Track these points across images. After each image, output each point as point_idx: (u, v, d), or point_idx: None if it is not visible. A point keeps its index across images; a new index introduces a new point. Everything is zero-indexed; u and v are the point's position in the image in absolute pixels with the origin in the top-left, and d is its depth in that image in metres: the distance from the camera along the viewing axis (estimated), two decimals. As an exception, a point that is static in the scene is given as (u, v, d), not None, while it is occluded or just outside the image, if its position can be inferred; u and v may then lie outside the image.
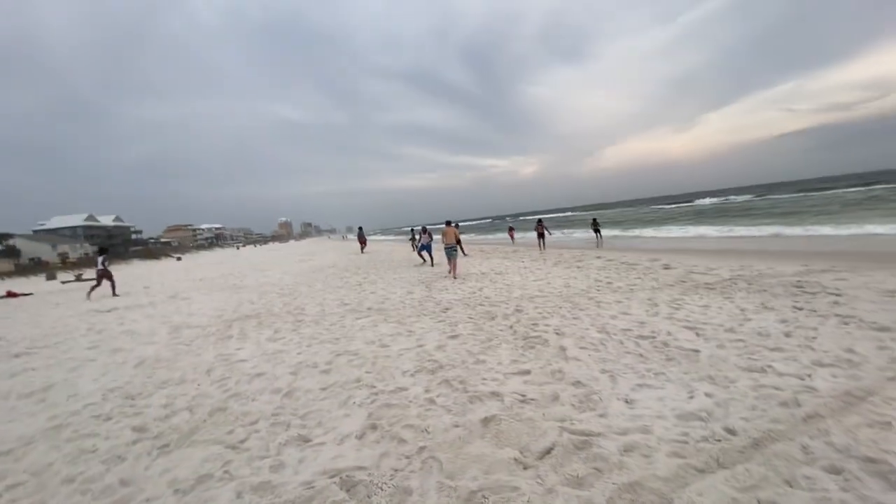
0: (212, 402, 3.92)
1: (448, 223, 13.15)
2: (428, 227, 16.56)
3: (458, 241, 17.29)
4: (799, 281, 7.35)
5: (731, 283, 7.73)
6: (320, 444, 2.99)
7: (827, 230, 17.61)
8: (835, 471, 2.28)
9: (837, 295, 6.15)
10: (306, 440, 3.07)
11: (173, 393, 4.26)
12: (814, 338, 4.45)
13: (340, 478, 2.52)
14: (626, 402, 3.31)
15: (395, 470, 2.59)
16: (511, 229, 29.13)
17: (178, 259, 49.21)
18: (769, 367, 3.77)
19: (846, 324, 4.83)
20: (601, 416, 3.10)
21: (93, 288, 14.34)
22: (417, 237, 16.01)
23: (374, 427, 3.19)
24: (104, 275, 13.91)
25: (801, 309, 5.61)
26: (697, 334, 4.86)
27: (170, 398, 4.12)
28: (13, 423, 3.84)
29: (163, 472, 2.76)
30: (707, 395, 3.31)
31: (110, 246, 74.84)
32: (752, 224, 24.04)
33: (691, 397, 3.29)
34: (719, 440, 2.68)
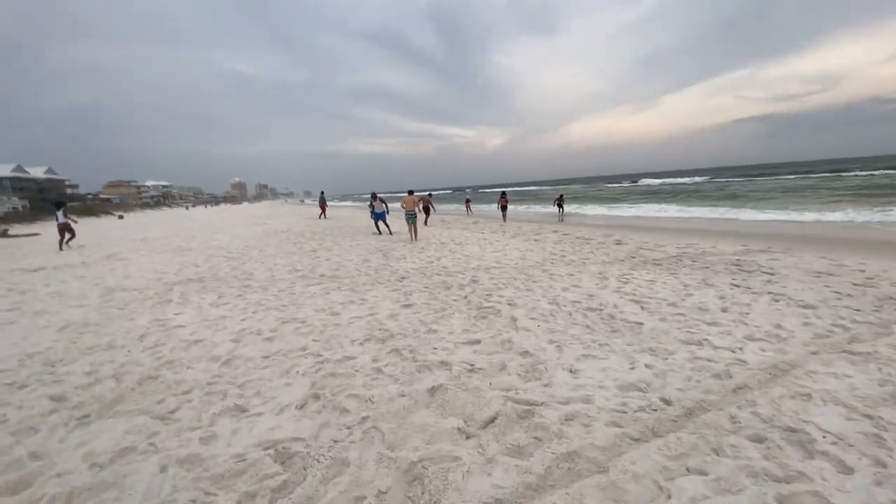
0: (142, 370, 3.67)
1: (410, 192, 13.72)
2: (379, 193, 15.83)
3: (427, 210, 17.05)
4: (738, 260, 7.76)
5: (677, 259, 8.06)
6: (257, 415, 2.85)
7: (767, 214, 18.68)
8: (758, 440, 2.40)
9: (771, 274, 6.54)
10: (242, 410, 2.93)
11: (99, 360, 3.95)
12: (747, 313, 4.70)
13: (276, 450, 2.42)
14: (571, 372, 3.36)
15: (335, 441, 2.51)
16: (468, 201, 29.13)
17: (120, 217, 46.02)
18: (705, 340, 3.95)
19: (777, 301, 5.13)
20: (546, 385, 3.13)
21: (61, 242, 14.39)
22: (375, 203, 15.25)
23: (316, 397, 3.08)
24: (65, 227, 14.35)
25: (737, 286, 5.91)
26: (642, 307, 5.02)
27: (95, 365, 3.82)
28: None
29: (79, 445, 2.55)
30: (647, 366, 3.42)
31: (42, 201, 68.68)
32: (702, 205, 25.19)
33: (632, 368, 3.39)
34: (655, 410, 2.77)
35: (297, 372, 3.53)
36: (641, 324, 4.42)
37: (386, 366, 3.61)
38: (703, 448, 2.36)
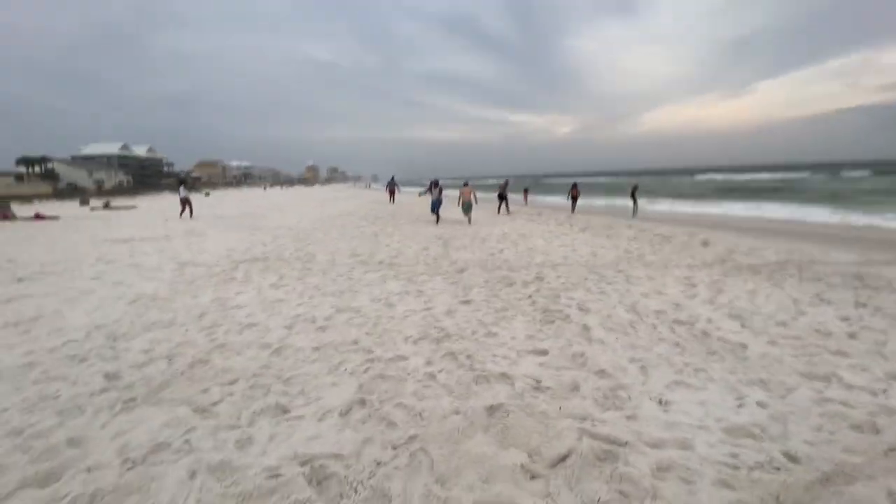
0: (194, 352, 3.59)
1: (465, 184, 14.80)
2: (440, 181, 15.13)
3: (503, 198, 18.15)
4: (858, 272, 6.53)
5: (779, 267, 6.96)
6: (298, 419, 2.59)
7: (884, 218, 15.99)
8: (943, 537, 1.74)
9: (907, 293, 5.37)
10: (284, 411, 2.69)
11: (158, 337, 3.95)
12: (884, 343, 3.80)
13: (312, 467, 2.12)
14: (660, 402, 2.79)
15: (378, 463, 2.17)
16: (526, 191, 28.24)
17: (207, 195, 49.65)
18: (833, 375, 3.17)
19: (922, 328, 4.13)
20: (629, 418, 2.60)
21: (183, 213, 16.96)
22: (434, 191, 14.61)
23: (362, 403, 2.78)
24: (186, 201, 16.98)
25: (864, 305, 4.90)
26: (743, 325, 4.25)
27: (153, 343, 3.81)
28: (-12, 354, 3.61)
29: (117, 435, 2.42)
30: (760, 404, 2.76)
31: (143, 177, 76.35)
32: (802, 204, 22.32)
33: (740, 405, 2.75)
34: (778, 469, 2.15)
35: (346, 370, 3.26)
36: (745, 346, 3.69)
37: (440, 371, 3.24)
38: (857, 538, 1.74)
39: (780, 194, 30.64)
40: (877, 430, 2.48)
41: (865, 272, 6.53)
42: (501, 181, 19.79)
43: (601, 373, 3.18)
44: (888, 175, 47.87)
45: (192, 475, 2.08)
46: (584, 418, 2.58)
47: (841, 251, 8.60)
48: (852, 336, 3.97)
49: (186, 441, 2.36)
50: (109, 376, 3.17)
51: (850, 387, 3.00)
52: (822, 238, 11.19)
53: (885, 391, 2.94)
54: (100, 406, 2.74)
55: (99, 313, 4.70)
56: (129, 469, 2.12)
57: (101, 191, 50.75)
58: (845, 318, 4.45)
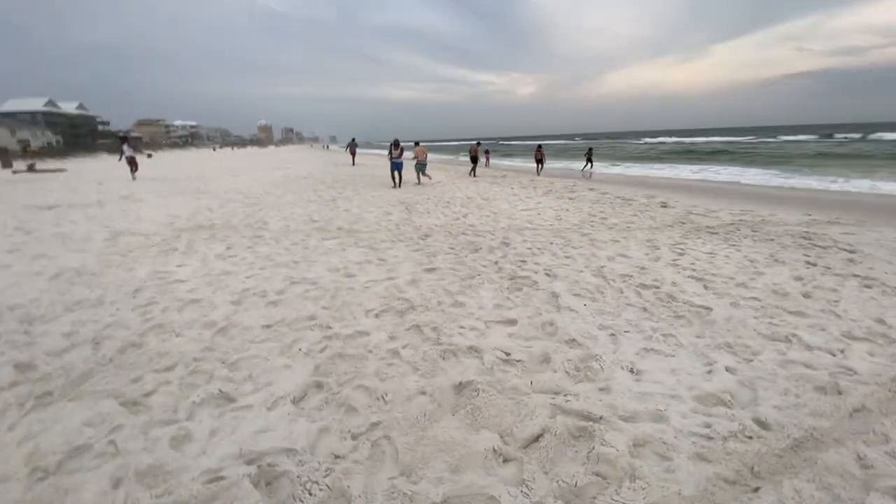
0: (126, 335, 3.19)
1: (417, 143, 14.93)
2: (400, 141, 13.88)
3: (475, 160, 18.45)
4: (806, 232, 6.79)
5: (734, 228, 7.14)
6: (244, 408, 2.32)
7: (827, 180, 16.88)
8: (914, 502, 1.74)
9: (851, 252, 5.61)
10: (228, 400, 2.40)
11: (82, 318, 3.49)
12: (836, 301, 3.92)
13: (259, 466, 1.88)
14: (632, 371, 2.71)
15: (336, 457, 1.96)
16: (487, 153, 27.97)
17: (149, 156, 45.83)
18: (794, 335, 3.21)
19: (868, 287, 4.30)
20: (602, 390, 2.50)
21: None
22: (396, 152, 13.55)
23: (318, 386, 2.54)
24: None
25: (814, 265, 5.06)
26: (706, 287, 4.28)
27: (76, 325, 3.37)
28: None
29: (27, 438, 2.07)
30: (728, 369, 2.74)
31: (75, 136, 69.65)
32: (748, 166, 23.25)
33: (710, 371, 2.72)
34: (750, 437, 2.11)
35: (300, 350, 2.99)
36: (710, 309, 3.69)
37: (404, 347, 3.03)
38: (833, 508, 1.71)
39: (730, 156, 31.82)
40: (839, 392, 2.50)
41: (812, 232, 6.79)
42: (474, 143, 19.50)
43: (571, 342, 3.07)
44: (831, 139, 50.71)
45: (116, 484, 1.79)
46: (556, 393, 2.46)
47: (787, 211, 8.96)
48: (807, 296, 4.07)
49: (111, 442, 2.04)
50: (21, 367, 2.74)
51: (810, 347, 3.04)
52: (769, 199, 11.64)
53: (842, 351, 3.00)
54: (7, 403, 2.35)
55: (13, 291, 4.13)
56: (39, 480, 1.81)
57: (26, 152, 45.81)
58: (799, 278, 4.57)
